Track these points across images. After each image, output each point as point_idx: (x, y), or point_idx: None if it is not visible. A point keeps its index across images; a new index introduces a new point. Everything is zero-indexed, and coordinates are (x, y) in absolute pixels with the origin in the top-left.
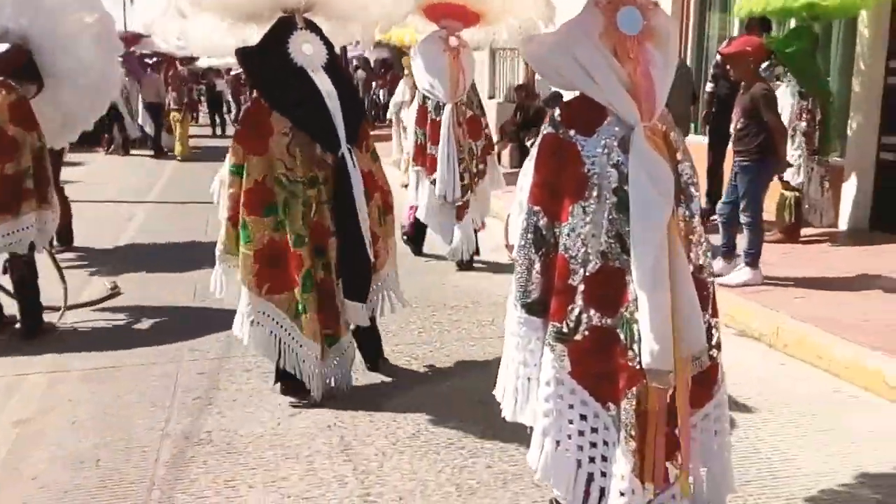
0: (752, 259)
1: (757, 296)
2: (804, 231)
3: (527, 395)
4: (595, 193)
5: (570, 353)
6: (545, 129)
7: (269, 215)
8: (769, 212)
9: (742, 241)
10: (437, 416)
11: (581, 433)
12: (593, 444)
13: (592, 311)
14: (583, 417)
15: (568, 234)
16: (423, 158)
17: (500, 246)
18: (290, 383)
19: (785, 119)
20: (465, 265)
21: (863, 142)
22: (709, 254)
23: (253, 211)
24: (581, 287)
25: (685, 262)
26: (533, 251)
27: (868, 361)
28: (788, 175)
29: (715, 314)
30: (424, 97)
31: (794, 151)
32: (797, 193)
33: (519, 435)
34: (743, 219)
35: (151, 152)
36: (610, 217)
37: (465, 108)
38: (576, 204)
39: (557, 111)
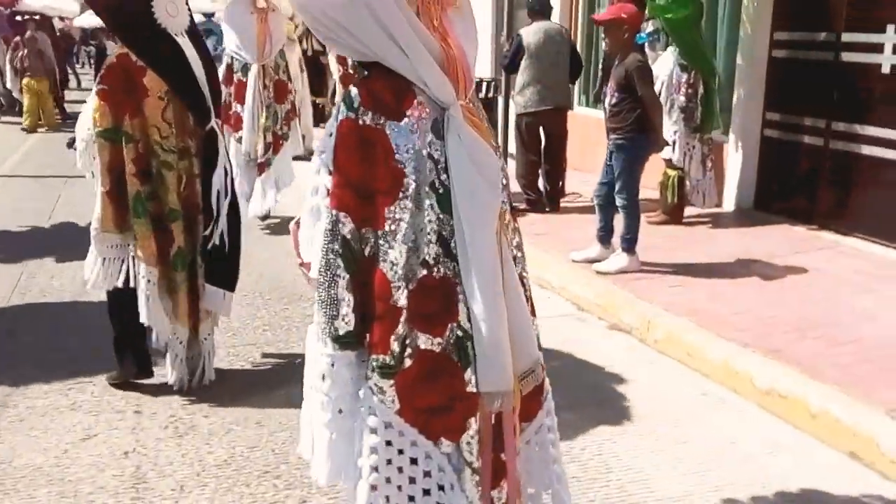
0: (629, 244)
1: (632, 284)
2: (688, 212)
3: (347, 450)
4: (412, 191)
5: (397, 388)
6: (342, 113)
7: (146, 185)
8: (653, 190)
9: (618, 225)
10: (258, 437)
11: (412, 480)
12: (426, 492)
13: (417, 333)
14: (413, 461)
15: (385, 244)
16: (228, 117)
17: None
18: (129, 361)
19: (663, 93)
20: (264, 217)
21: (747, 118)
22: (522, 246)
23: (143, 181)
24: (404, 305)
25: (512, 263)
26: (342, 269)
27: (737, 361)
28: (666, 153)
29: (533, 313)
30: (232, 57)
31: (671, 127)
32: (680, 172)
33: None
34: (618, 201)
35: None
36: (429, 218)
37: (271, 71)
38: (392, 205)
39: (354, 90)
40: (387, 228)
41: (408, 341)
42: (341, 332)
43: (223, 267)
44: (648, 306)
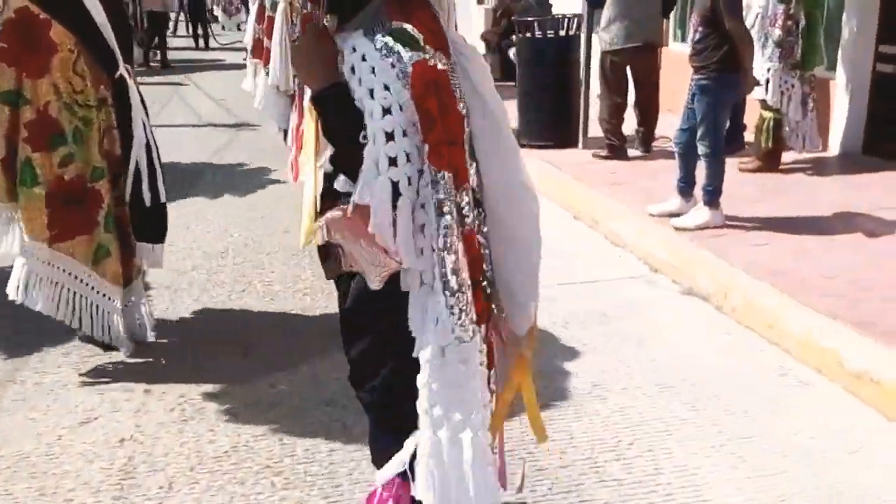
0: (712, 197)
1: (712, 242)
2: (786, 157)
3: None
4: (470, 136)
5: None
6: (406, 56)
7: (56, 148)
8: (749, 135)
9: (701, 175)
10: (268, 424)
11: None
12: None
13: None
14: None
15: (468, 202)
16: (261, 52)
17: None
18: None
19: (757, 26)
20: None
21: (858, 51)
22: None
23: (38, 146)
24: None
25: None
26: (458, 241)
27: (823, 335)
28: (758, 93)
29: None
30: None
31: (765, 64)
32: (776, 114)
33: (353, 457)
34: (700, 149)
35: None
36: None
37: (298, 6)
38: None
39: (407, 25)
40: (466, 183)
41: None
42: (473, 316)
43: (150, 221)
44: (727, 268)
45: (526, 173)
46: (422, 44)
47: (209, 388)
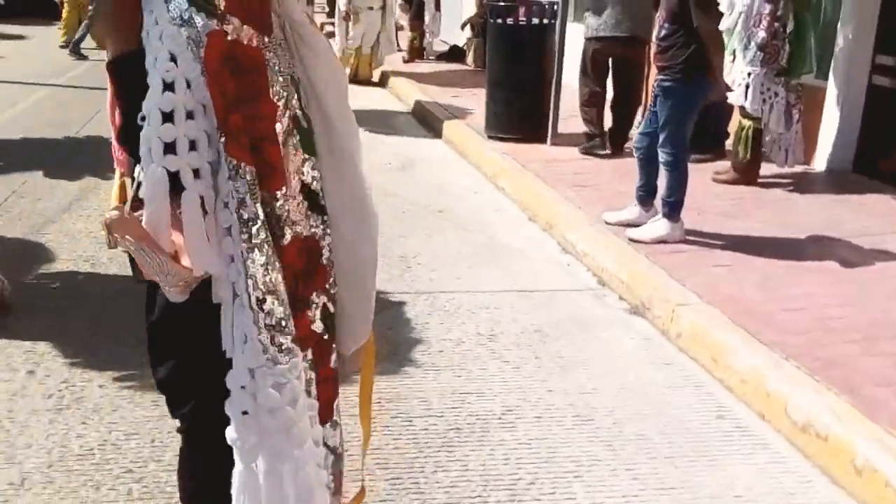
0: (672, 209)
1: (668, 258)
2: (766, 170)
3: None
4: (284, 131)
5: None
6: (200, 23)
7: None
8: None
9: (661, 184)
10: (146, 419)
11: None
12: None
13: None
14: None
15: (285, 205)
16: None
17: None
18: None
19: (740, 26)
20: None
21: (852, 60)
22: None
23: None
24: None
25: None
26: (266, 248)
27: (771, 376)
28: (734, 98)
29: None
30: None
31: (745, 68)
32: (756, 123)
33: None
34: (662, 156)
35: None
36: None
37: None
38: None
39: None
40: (282, 187)
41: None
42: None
43: None
44: (678, 289)
45: (365, 189)
46: (220, 10)
47: (95, 374)
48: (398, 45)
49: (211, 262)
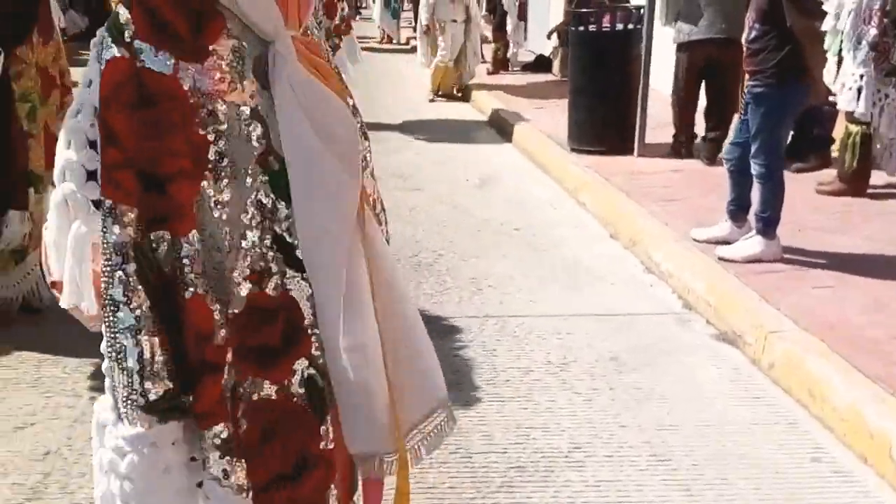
0: (766, 225)
1: (762, 279)
2: (875, 180)
3: None
4: (227, 171)
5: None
6: (108, 49)
7: None
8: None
9: (754, 198)
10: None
11: None
12: None
13: (252, 379)
14: None
15: (190, 252)
16: None
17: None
18: None
19: (848, 25)
20: None
21: None
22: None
23: None
24: (224, 338)
25: (394, 267)
26: (140, 296)
27: (873, 415)
28: (843, 103)
29: None
30: None
31: (855, 69)
32: (865, 129)
33: None
34: (754, 168)
35: None
36: (257, 208)
37: None
38: (197, 196)
39: (124, 11)
40: (191, 232)
41: (242, 391)
42: (153, 396)
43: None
44: (773, 313)
45: (382, 255)
46: (127, 37)
47: None
48: (483, 56)
49: (78, 297)
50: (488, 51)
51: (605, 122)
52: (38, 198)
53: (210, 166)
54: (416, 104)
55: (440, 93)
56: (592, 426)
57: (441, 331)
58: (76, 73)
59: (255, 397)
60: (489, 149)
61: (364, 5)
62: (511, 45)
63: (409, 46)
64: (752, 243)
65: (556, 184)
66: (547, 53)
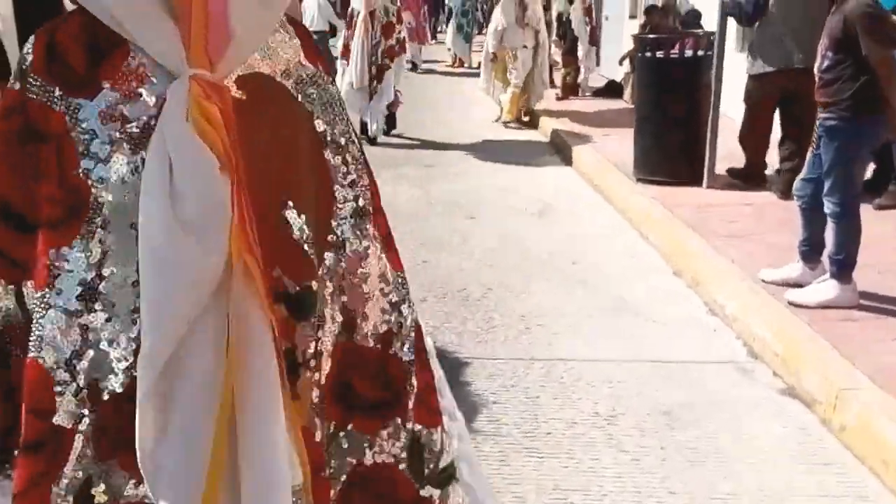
0: (841, 268)
1: (836, 328)
2: None
3: None
4: (102, 224)
5: None
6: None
7: None
8: None
9: (828, 238)
10: None
11: None
12: None
13: (117, 475)
14: None
15: (45, 317)
16: (347, 54)
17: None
18: None
19: None
20: (372, 141)
21: None
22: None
23: None
24: (85, 429)
25: (273, 375)
26: None
27: None
28: None
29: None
30: (352, 8)
31: None
32: None
33: None
34: (828, 206)
35: None
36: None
37: (380, 15)
38: (66, 246)
39: (29, 44)
40: (51, 286)
41: (97, 490)
42: None
43: None
44: (847, 368)
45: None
46: (24, 67)
47: None
48: (552, 81)
49: None
50: (558, 76)
51: (672, 151)
52: None
53: (86, 216)
54: (483, 129)
55: (510, 119)
56: (638, 491)
57: (483, 373)
58: None
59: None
60: (552, 176)
61: (441, 29)
62: (582, 70)
63: (479, 71)
64: (825, 288)
65: (619, 214)
66: (619, 79)
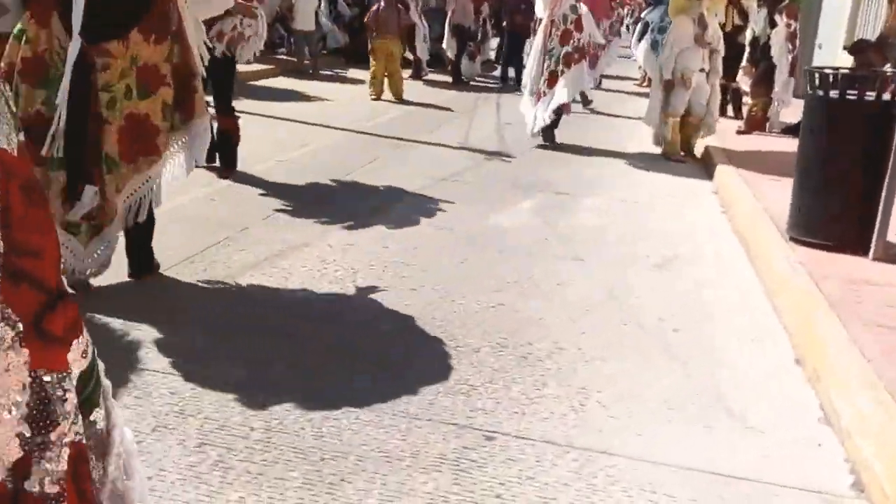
0: None
1: None
2: None
3: None
4: None
5: None
6: None
7: (42, 88)
8: None
9: None
10: None
11: None
12: None
13: None
14: None
15: None
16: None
17: None
18: None
19: None
20: (550, 139)
21: None
22: None
23: (27, 79)
24: None
25: None
26: None
27: None
28: None
29: None
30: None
31: None
32: None
33: None
34: None
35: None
36: None
37: (559, 23)
38: None
39: None
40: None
41: None
42: None
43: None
44: None
45: None
46: None
47: None
48: (738, 112)
49: None
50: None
51: (837, 211)
52: (110, 178)
53: None
54: (640, 160)
55: (672, 152)
56: None
57: (502, 455)
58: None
59: None
60: (696, 221)
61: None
62: (775, 103)
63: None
64: None
65: (756, 277)
66: None
